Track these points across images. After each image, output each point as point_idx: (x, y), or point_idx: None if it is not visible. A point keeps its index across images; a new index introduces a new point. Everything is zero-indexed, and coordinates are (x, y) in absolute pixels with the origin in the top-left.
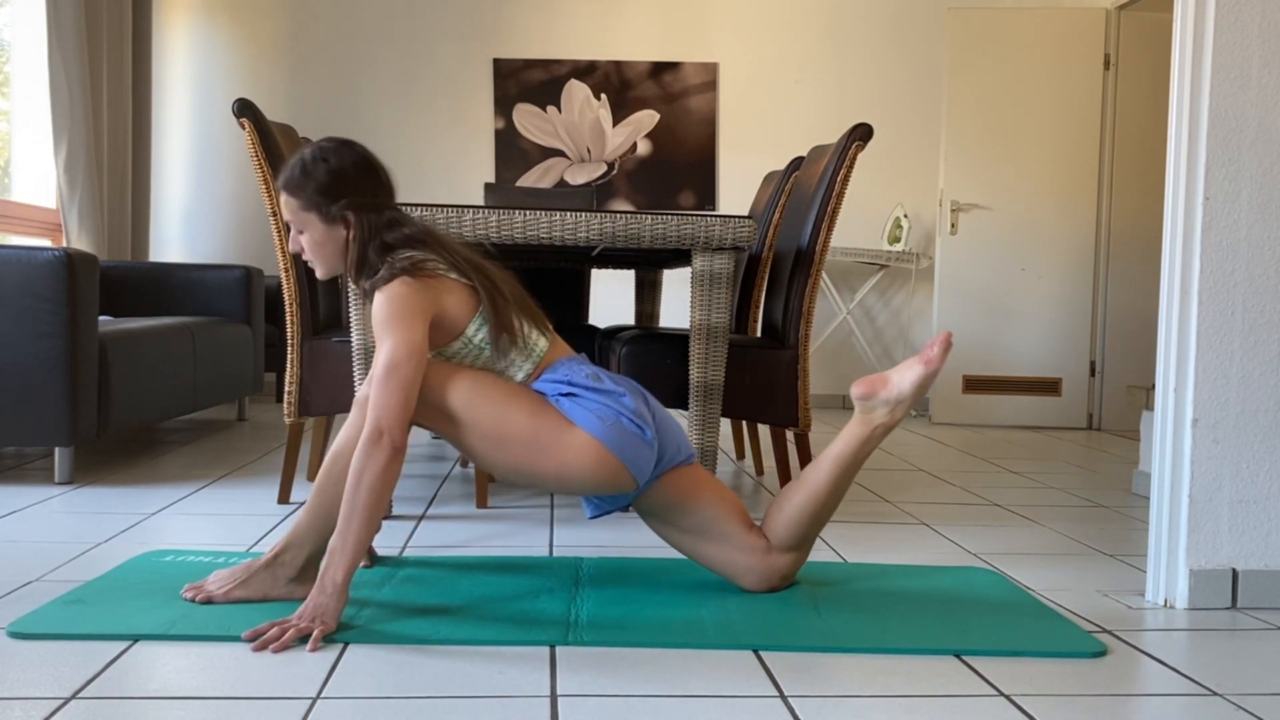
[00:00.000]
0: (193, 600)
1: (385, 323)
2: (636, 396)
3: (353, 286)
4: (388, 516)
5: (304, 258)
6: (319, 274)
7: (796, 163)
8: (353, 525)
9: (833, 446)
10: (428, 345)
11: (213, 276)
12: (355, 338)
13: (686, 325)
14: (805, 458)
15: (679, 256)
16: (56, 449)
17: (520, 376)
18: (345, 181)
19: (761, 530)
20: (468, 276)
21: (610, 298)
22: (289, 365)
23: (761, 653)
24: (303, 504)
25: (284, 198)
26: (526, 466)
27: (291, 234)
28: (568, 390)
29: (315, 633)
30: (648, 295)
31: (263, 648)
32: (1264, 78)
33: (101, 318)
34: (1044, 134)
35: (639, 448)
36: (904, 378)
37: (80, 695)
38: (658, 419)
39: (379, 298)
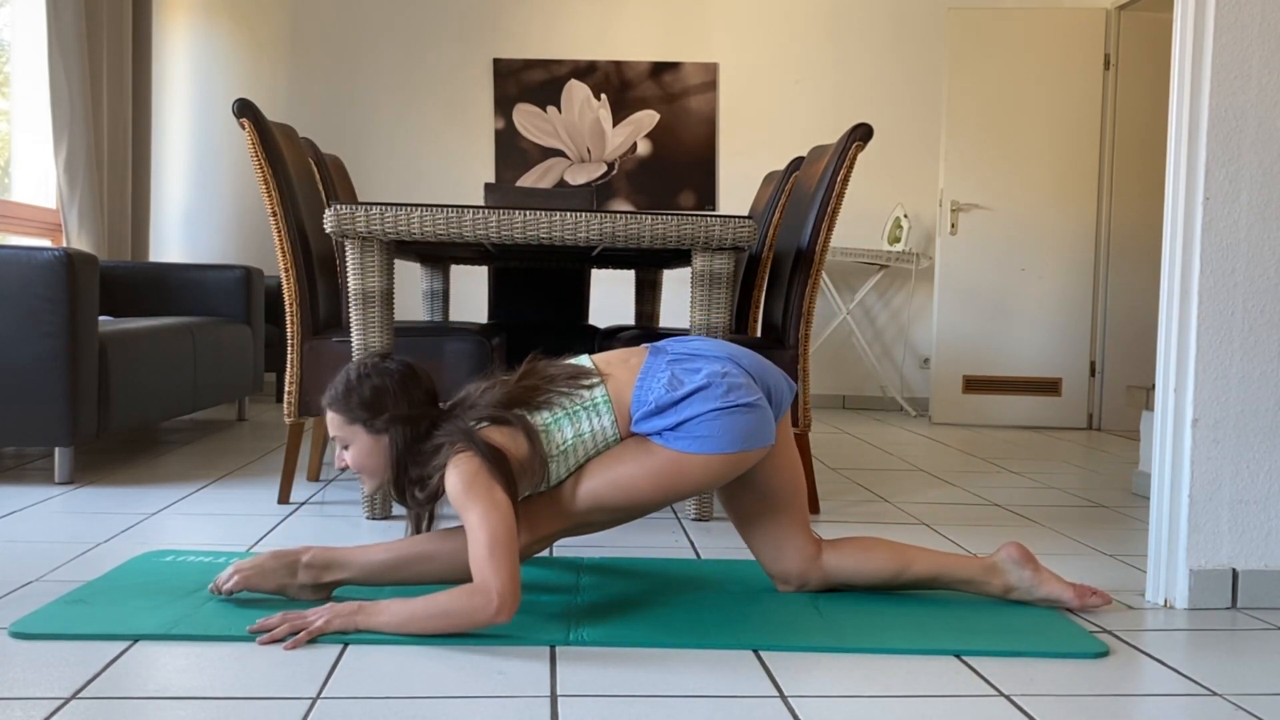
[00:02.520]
0: (214, 592)
1: (463, 497)
2: (725, 368)
3: (398, 502)
4: (386, 518)
5: (351, 471)
6: (367, 488)
7: (796, 163)
8: (413, 624)
9: (948, 557)
10: (511, 504)
11: (213, 276)
12: (355, 338)
13: (686, 325)
14: (805, 458)
15: (679, 256)
16: (56, 449)
17: (609, 423)
18: (387, 396)
19: (820, 543)
20: (508, 422)
21: (610, 298)
22: (289, 365)
23: (761, 653)
24: (303, 505)
25: (330, 414)
26: (669, 500)
27: (338, 451)
28: (669, 424)
29: (306, 631)
30: (648, 295)
31: (272, 641)
32: (1264, 78)
33: (101, 318)
34: (1044, 134)
35: (755, 423)
36: (1049, 585)
37: (80, 695)
38: (752, 368)
39: (449, 482)
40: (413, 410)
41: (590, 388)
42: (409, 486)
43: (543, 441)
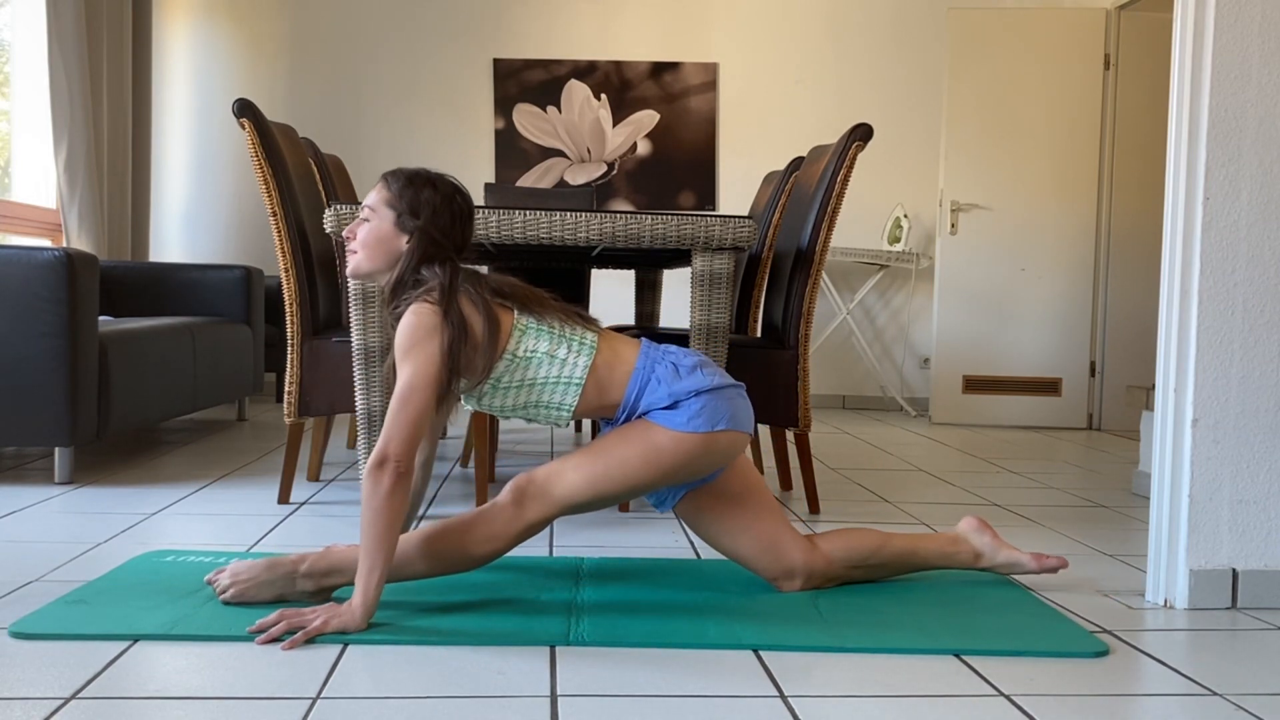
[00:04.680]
0: (210, 584)
1: (405, 351)
2: (704, 361)
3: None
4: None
5: (350, 245)
6: (350, 267)
7: (796, 163)
8: (373, 560)
9: (919, 536)
10: (445, 372)
11: (213, 276)
12: (355, 338)
13: (686, 325)
14: (805, 458)
15: (679, 256)
16: (56, 449)
17: (583, 366)
18: (437, 213)
19: (811, 539)
20: (501, 296)
21: (610, 298)
22: (289, 365)
23: (761, 653)
24: (303, 505)
25: (380, 184)
26: (670, 482)
27: (356, 221)
28: (664, 401)
29: (304, 631)
30: (648, 295)
31: (270, 641)
32: (1264, 77)
33: (101, 318)
34: (1044, 134)
35: (741, 408)
36: (1007, 552)
37: (80, 695)
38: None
39: (402, 323)
40: (439, 238)
41: (587, 329)
42: (398, 302)
43: (513, 340)
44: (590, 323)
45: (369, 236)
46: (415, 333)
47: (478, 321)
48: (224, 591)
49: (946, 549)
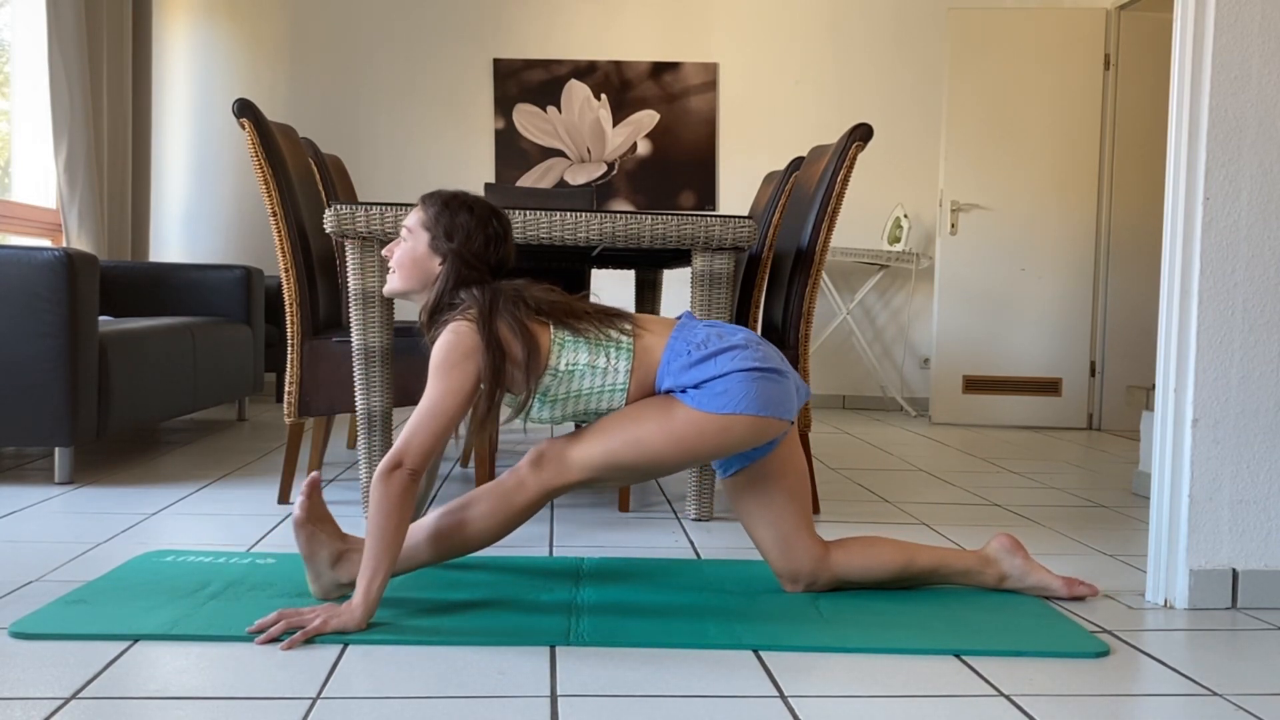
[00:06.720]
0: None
1: (438, 366)
2: (759, 340)
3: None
4: None
5: (389, 265)
6: (387, 287)
7: (796, 163)
8: (379, 558)
9: (946, 551)
10: (475, 390)
11: (213, 276)
12: (355, 338)
13: None
14: (805, 458)
15: (679, 256)
16: (56, 449)
17: (625, 370)
18: (470, 237)
19: (827, 543)
20: (540, 314)
21: (610, 298)
22: (289, 365)
23: (761, 653)
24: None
25: (418, 206)
26: (687, 462)
27: (395, 241)
28: (695, 380)
29: (303, 631)
30: (648, 295)
31: (269, 641)
32: (1264, 78)
33: (101, 318)
34: (1044, 134)
35: (780, 393)
36: (1038, 574)
37: (80, 695)
38: (777, 355)
39: (441, 339)
40: (473, 261)
41: (622, 332)
42: (436, 322)
43: (553, 355)
44: (624, 320)
45: (404, 257)
46: (453, 352)
47: (515, 344)
48: (300, 494)
49: (973, 568)
